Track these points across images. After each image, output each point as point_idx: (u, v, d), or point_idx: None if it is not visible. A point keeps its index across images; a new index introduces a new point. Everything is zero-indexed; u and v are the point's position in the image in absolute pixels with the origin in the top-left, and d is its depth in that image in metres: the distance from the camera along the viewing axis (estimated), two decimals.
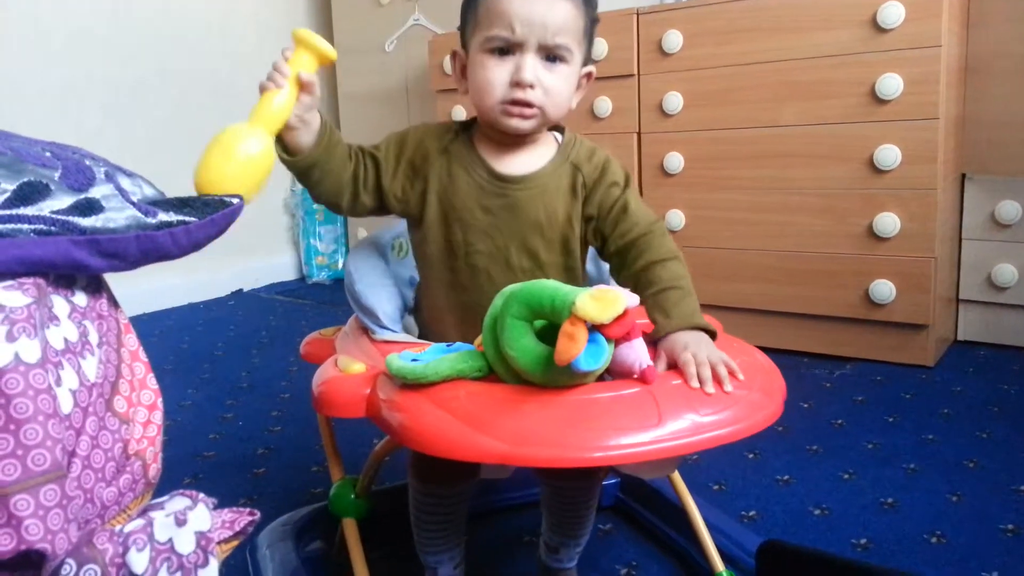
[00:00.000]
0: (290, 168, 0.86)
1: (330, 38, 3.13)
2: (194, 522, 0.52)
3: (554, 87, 0.84)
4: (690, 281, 0.84)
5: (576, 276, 0.93)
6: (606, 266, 0.95)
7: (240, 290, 3.07)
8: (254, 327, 2.52)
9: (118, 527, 0.53)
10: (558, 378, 0.67)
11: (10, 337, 0.48)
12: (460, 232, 0.88)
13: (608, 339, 0.66)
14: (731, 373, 0.73)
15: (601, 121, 2.17)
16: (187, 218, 0.59)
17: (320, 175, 0.87)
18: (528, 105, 0.84)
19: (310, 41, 0.82)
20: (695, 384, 0.71)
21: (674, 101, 2.03)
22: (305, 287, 3.14)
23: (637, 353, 0.70)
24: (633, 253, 0.86)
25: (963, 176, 1.94)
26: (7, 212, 0.51)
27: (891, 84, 1.73)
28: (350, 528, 0.96)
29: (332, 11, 3.06)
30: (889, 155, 1.76)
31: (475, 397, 0.69)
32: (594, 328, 0.64)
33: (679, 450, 0.66)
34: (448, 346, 0.76)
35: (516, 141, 0.89)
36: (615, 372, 0.71)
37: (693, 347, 0.75)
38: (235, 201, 0.63)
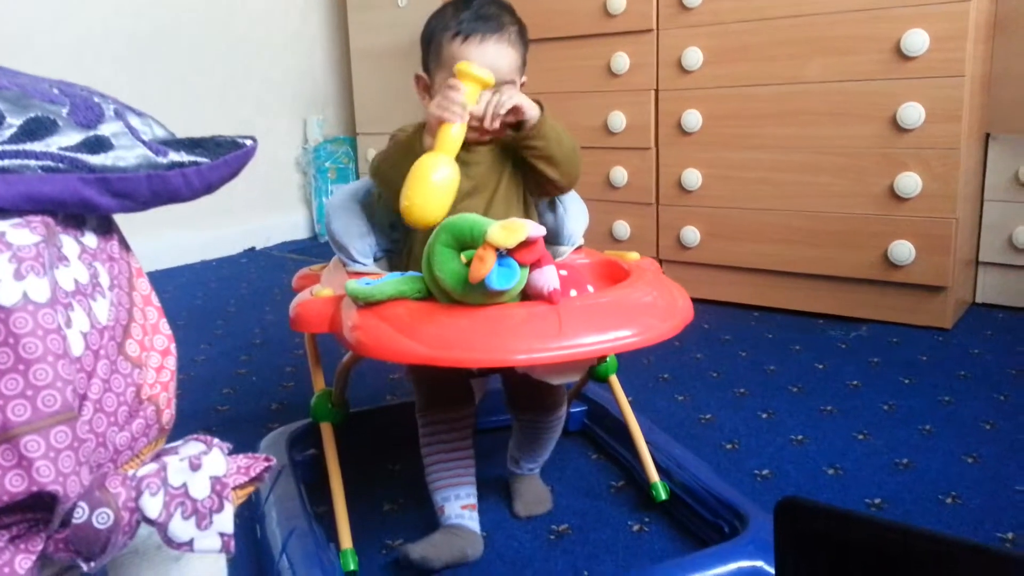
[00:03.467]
0: None
1: (343, 4, 3.09)
2: (209, 467, 0.52)
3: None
4: (562, 131, 1.04)
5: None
6: (562, 213, 1.14)
7: (252, 248, 3.06)
8: (267, 284, 2.52)
9: (131, 471, 0.52)
10: (477, 297, 0.80)
11: (18, 275, 0.47)
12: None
13: (521, 264, 0.78)
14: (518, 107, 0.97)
15: (618, 78, 2.13)
16: (199, 159, 0.57)
17: None
18: (484, 131, 1.02)
19: (473, 73, 0.96)
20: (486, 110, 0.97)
21: (694, 57, 1.99)
22: (317, 245, 3.13)
23: (547, 278, 0.81)
24: None
25: (987, 136, 1.90)
26: (13, 147, 0.49)
27: (917, 40, 1.69)
28: (326, 431, 1.08)
29: None
30: (913, 113, 1.72)
31: (411, 312, 0.83)
32: (507, 254, 0.77)
33: (574, 356, 0.78)
34: (401, 274, 0.89)
35: None
36: (529, 295, 0.83)
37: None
38: (248, 142, 0.61)
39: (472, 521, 1.04)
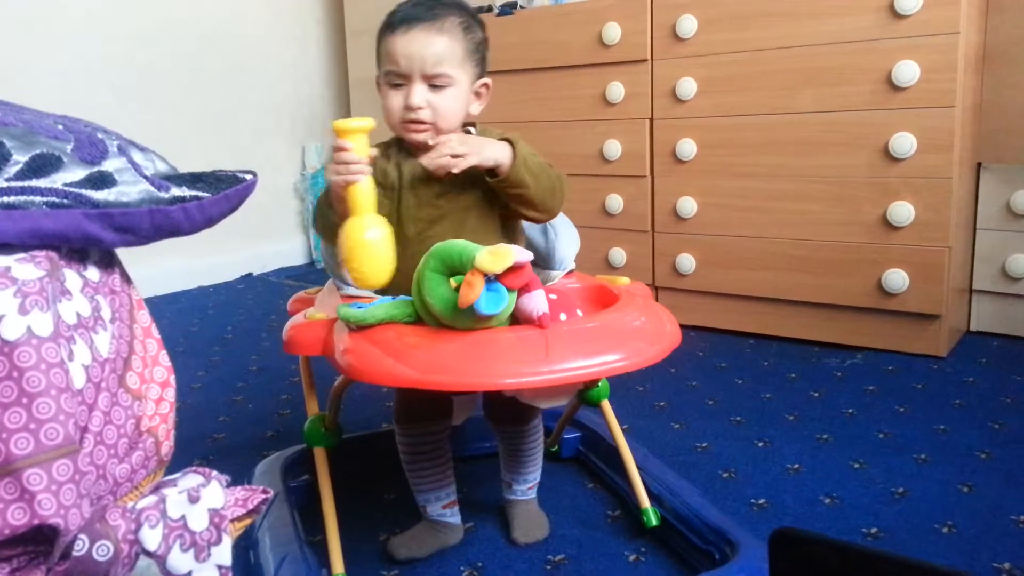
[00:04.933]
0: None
1: (341, 22, 3.12)
2: (207, 499, 0.52)
3: (441, 105, 1.03)
4: (542, 165, 1.03)
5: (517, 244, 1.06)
6: (553, 238, 1.15)
7: (250, 274, 3.07)
8: (264, 311, 2.52)
9: (131, 504, 0.53)
10: (467, 321, 0.81)
11: (22, 310, 0.47)
12: (413, 226, 1.05)
13: (509, 289, 0.80)
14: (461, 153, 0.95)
15: (613, 107, 2.15)
16: (200, 193, 0.58)
17: None
18: (420, 122, 1.03)
19: (352, 125, 0.93)
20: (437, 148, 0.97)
21: (688, 87, 2.01)
22: (314, 271, 3.13)
23: (536, 303, 0.83)
24: None
25: (979, 165, 1.92)
26: (19, 184, 0.50)
27: (908, 71, 1.71)
28: (319, 455, 1.09)
29: (344, 1, 3.04)
30: (904, 143, 1.74)
31: (401, 336, 0.84)
32: (496, 279, 0.78)
33: (561, 381, 0.79)
34: (392, 298, 0.90)
35: (432, 144, 1.05)
36: (518, 319, 0.85)
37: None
38: (248, 177, 0.62)
39: (453, 517, 1.13)
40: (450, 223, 1.05)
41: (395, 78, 1.03)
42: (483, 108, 1.10)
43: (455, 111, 1.05)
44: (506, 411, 1.15)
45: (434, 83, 1.02)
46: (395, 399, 1.13)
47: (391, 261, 0.92)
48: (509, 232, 1.11)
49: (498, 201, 1.06)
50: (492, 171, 1.00)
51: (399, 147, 1.09)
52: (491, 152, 0.98)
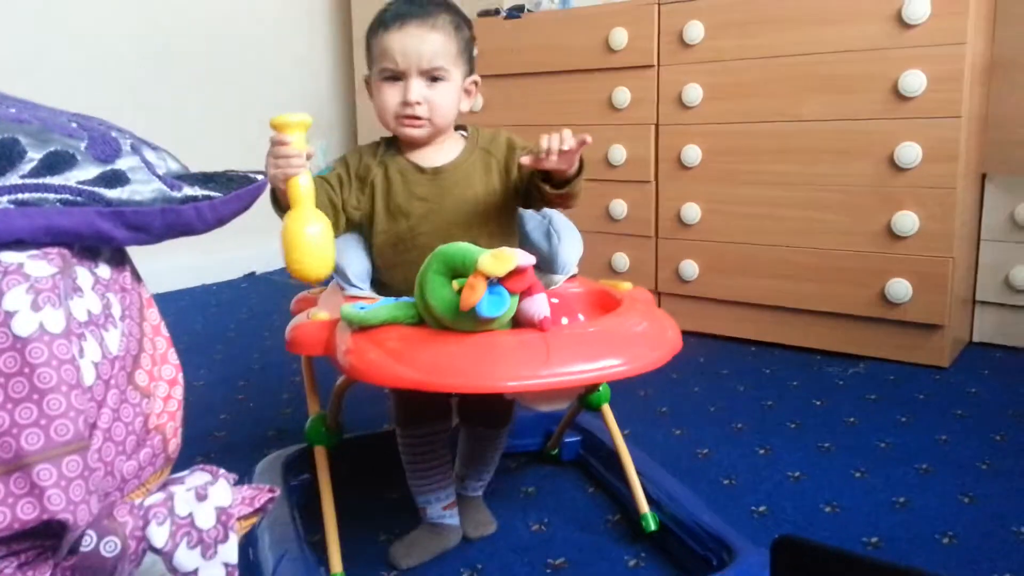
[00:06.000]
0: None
1: (349, 31, 3.14)
2: (215, 497, 0.52)
3: (437, 100, 1.05)
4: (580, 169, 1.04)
5: (511, 244, 1.08)
6: (556, 242, 1.15)
7: (253, 272, 3.07)
8: (266, 309, 2.53)
9: (138, 500, 0.53)
10: (468, 323, 0.81)
11: (35, 306, 0.48)
12: (404, 222, 1.07)
13: (511, 293, 0.80)
14: (580, 141, 0.93)
15: (619, 112, 2.16)
16: (212, 193, 0.58)
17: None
18: (416, 118, 1.05)
19: (291, 120, 0.93)
20: (544, 144, 0.94)
21: (694, 93, 2.02)
22: None
23: (538, 306, 0.84)
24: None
25: (983, 176, 1.92)
26: (34, 181, 0.50)
27: (914, 81, 1.72)
28: (320, 455, 1.09)
29: (351, 1, 3.05)
30: (910, 153, 1.74)
31: (403, 338, 0.85)
32: (498, 282, 0.79)
33: (561, 384, 0.79)
34: (395, 299, 0.91)
35: (427, 141, 1.10)
36: (520, 322, 0.85)
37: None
38: (259, 177, 0.63)
39: (452, 518, 1.14)
40: (441, 220, 1.07)
41: (390, 74, 1.04)
42: (471, 106, 1.13)
43: (450, 106, 1.07)
44: (482, 413, 1.17)
45: (432, 76, 1.04)
46: (393, 402, 1.13)
47: (331, 254, 0.94)
48: (505, 229, 1.12)
49: (492, 199, 1.09)
50: (548, 174, 1.02)
51: (387, 145, 1.11)
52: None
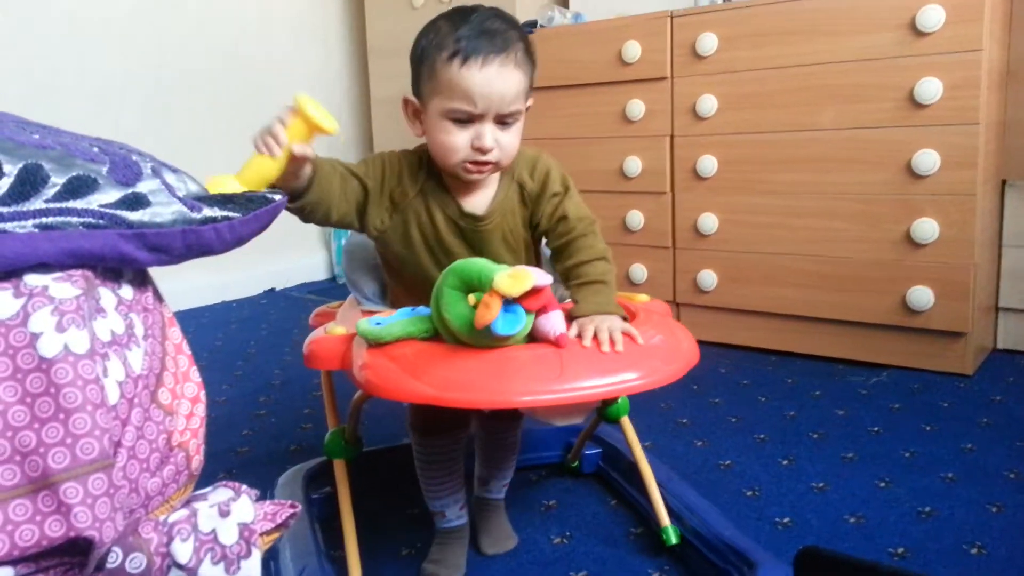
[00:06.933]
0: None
1: (363, 41, 3.16)
2: (237, 513, 0.53)
3: (508, 143, 0.98)
4: (613, 276, 1.00)
5: (531, 263, 1.09)
6: None
7: (272, 289, 3.10)
8: (286, 325, 2.55)
9: (162, 517, 0.53)
10: (483, 340, 0.81)
11: (60, 328, 0.48)
12: (445, 258, 1.01)
13: (527, 311, 0.80)
14: (629, 337, 0.86)
15: (633, 124, 2.16)
16: (231, 213, 0.59)
17: (310, 212, 0.96)
18: (486, 163, 0.97)
19: (307, 112, 0.85)
20: (587, 343, 0.85)
21: (708, 104, 2.02)
22: (336, 286, 3.16)
23: (553, 323, 0.84)
24: (568, 252, 1.02)
25: (1003, 182, 1.91)
26: (57, 205, 0.51)
27: (930, 88, 1.71)
28: (339, 468, 1.09)
29: (366, 13, 3.08)
30: (928, 160, 1.73)
31: (418, 353, 0.85)
32: (514, 300, 0.78)
33: (575, 399, 0.79)
34: (412, 311, 0.91)
35: (481, 182, 1.03)
36: (536, 338, 0.86)
37: (597, 321, 0.89)
38: (277, 198, 0.64)
39: (463, 519, 1.15)
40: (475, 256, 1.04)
41: (463, 116, 0.95)
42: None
43: (516, 146, 1.00)
44: (499, 410, 1.15)
45: (504, 120, 0.96)
46: (409, 409, 1.13)
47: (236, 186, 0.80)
48: (529, 254, 1.11)
49: (522, 231, 1.06)
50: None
51: (429, 174, 1.03)
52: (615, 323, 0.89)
